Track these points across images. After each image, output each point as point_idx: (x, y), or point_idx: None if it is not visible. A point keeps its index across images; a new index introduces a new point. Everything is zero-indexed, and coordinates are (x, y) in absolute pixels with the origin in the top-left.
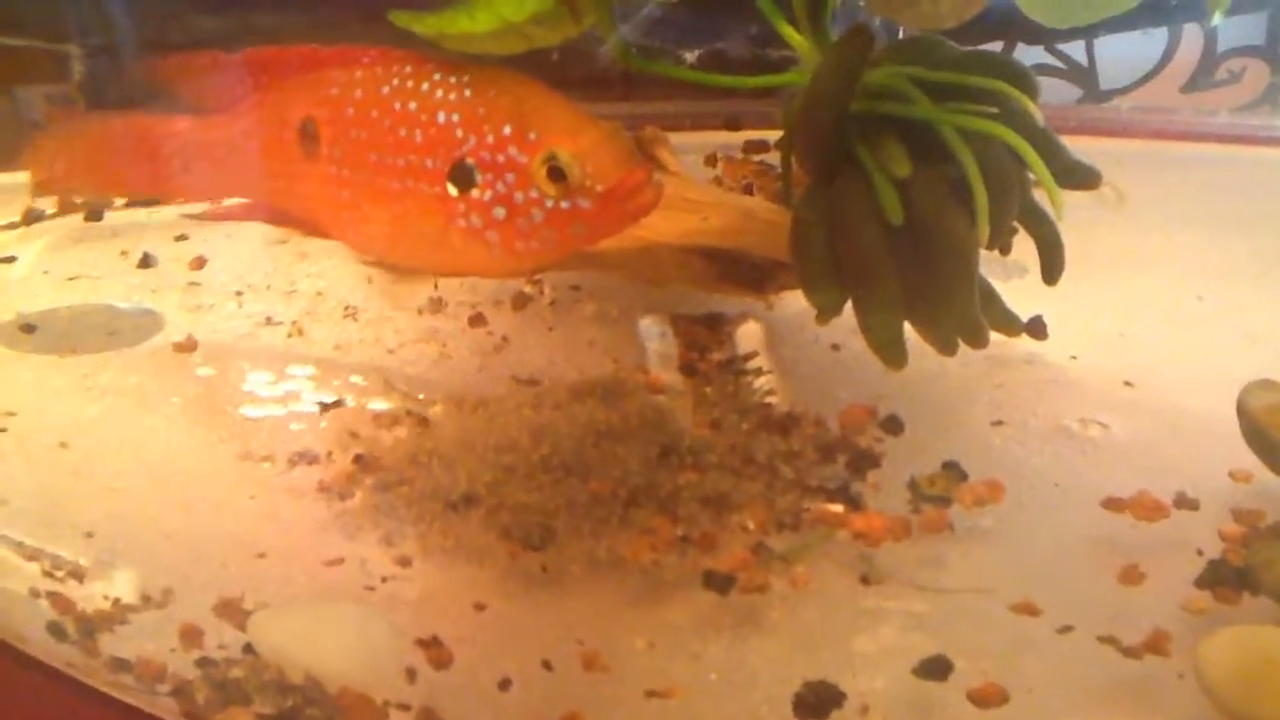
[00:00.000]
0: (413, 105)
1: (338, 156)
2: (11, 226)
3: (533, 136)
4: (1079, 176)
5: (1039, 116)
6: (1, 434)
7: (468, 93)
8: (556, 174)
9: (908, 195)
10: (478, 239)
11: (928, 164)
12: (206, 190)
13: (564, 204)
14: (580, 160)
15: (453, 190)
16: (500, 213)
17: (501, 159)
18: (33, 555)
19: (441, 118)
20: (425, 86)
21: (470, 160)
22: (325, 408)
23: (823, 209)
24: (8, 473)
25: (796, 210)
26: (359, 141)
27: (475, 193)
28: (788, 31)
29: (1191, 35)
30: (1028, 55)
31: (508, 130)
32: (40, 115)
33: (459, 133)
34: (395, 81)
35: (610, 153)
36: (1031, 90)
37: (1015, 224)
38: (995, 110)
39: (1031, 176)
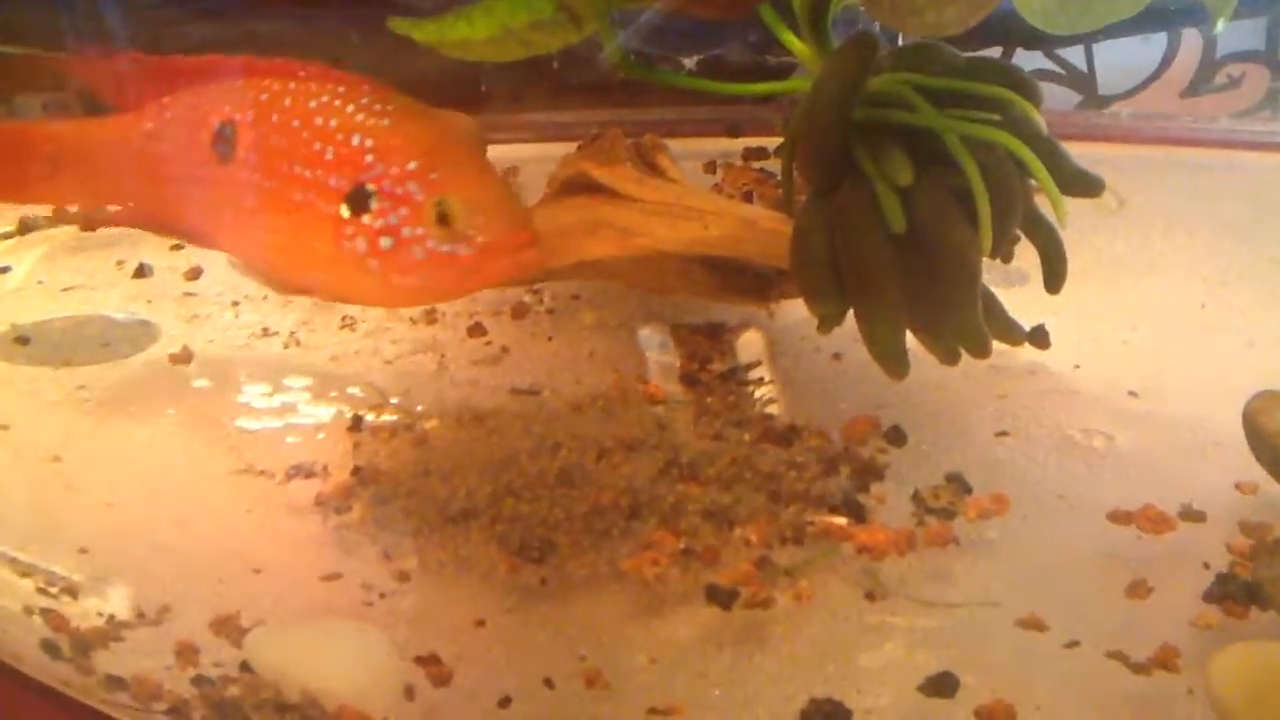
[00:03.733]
0: (333, 122)
1: (251, 162)
2: (6, 237)
3: (434, 177)
4: (1082, 184)
5: (1042, 124)
6: None
7: (387, 121)
8: (444, 217)
9: (910, 203)
10: (360, 265)
11: (930, 172)
12: (76, 195)
13: (445, 247)
14: (470, 209)
15: (345, 212)
16: (386, 243)
17: (400, 191)
18: (26, 571)
19: (356, 140)
20: (350, 107)
21: (371, 186)
22: (330, 422)
23: (825, 217)
24: (1, 487)
25: (798, 218)
26: (275, 149)
27: (367, 218)
28: (789, 39)
29: (1191, 40)
30: (1027, 60)
31: (413, 166)
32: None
33: (368, 157)
34: (325, 97)
35: (500, 210)
36: (1034, 97)
37: (1017, 232)
38: (998, 117)
39: (1033, 184)
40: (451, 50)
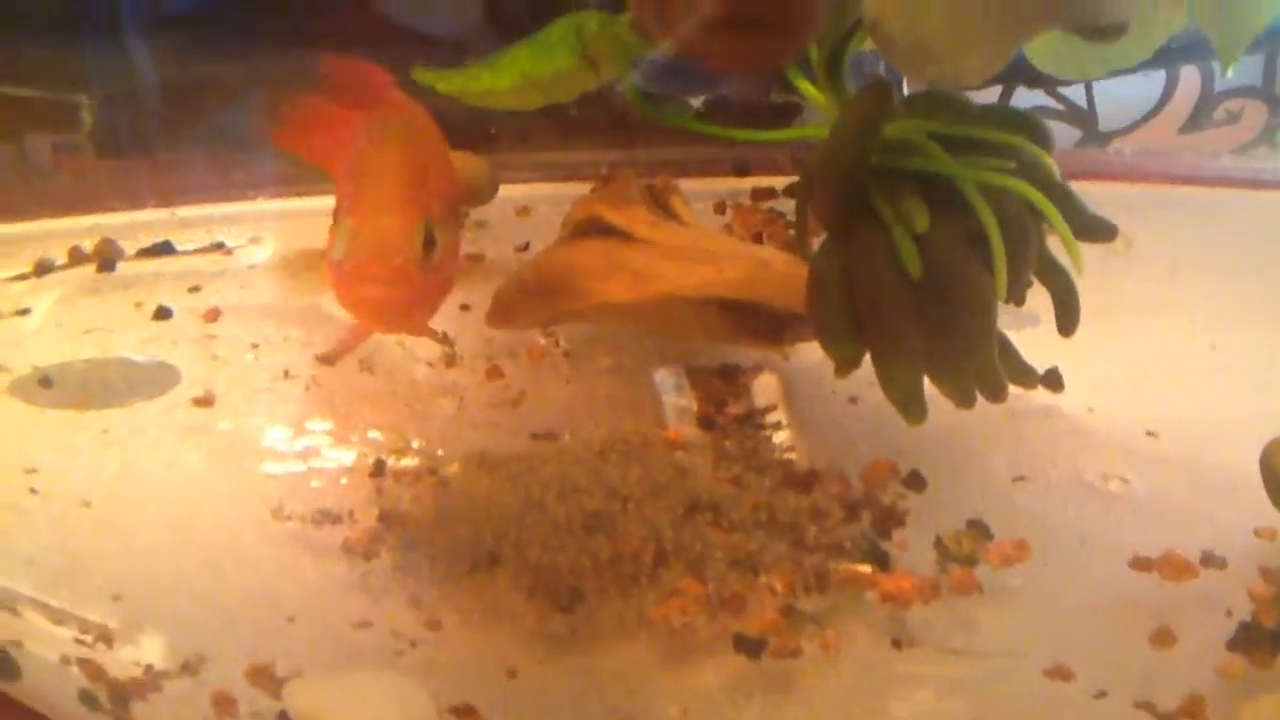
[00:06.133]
0: (354, 141)
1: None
2: (22, 278)
3: (356, 200)
4: (1095, 229)
5: (1055, 169)
6: (30, 495)
7: (370, 146)
8: (338, 237)
9: (926, 249)
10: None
11: (946, 217)
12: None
13: (336, 267)
14: (348, 235)
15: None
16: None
17: (342, 209)
18: (60, 619)
19: (350, 161)
20: (366, 130)
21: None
22: (352, 466)
23: (841, 261)
24: (31, 532)
25: (814, 262)
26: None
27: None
28: (805, 86)
29: (1189, 76)
30: (1027, 97)
31: (350, 188)
32: (47, 163)
33: (347, 176)
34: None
35: (369, 244)
36: (1047, 143)
37: (1031, 276)
38: (1013, 164)
39: (1046, 227)
40: (473, 100)
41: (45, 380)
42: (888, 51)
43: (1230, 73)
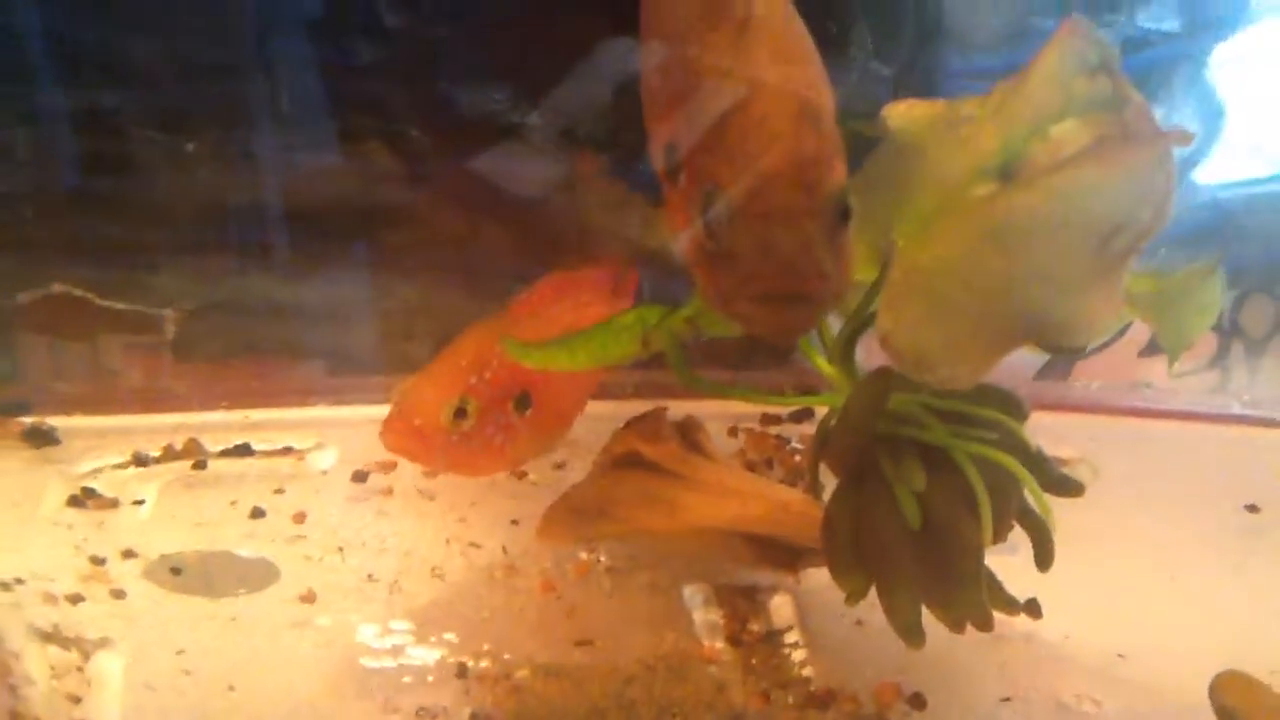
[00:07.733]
0: None
1: None
2: (122, 466)
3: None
4: (1063, 487)
5: (1029, 440)
6: (185, 676)
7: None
8: None
9: (924, 503)
10: None
11: (940, 478)
12: None
13: None
14: (401, 392)
15: None
16: None
17: None
18: None
19: None
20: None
21: None
22: (435, 665)
23: (851, 508)
24: (190, 713)
25: (828, 508)
26: None
27: None
28: (821, 363)
29: None
30: None
31: None
32: (118, 363)
33: None
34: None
35: (404, 401)
36: (1022, 415)
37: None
38: (995, 436)
39: None
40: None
41: (175, 568)
42: (894, 359)
43: (1176, 369)
